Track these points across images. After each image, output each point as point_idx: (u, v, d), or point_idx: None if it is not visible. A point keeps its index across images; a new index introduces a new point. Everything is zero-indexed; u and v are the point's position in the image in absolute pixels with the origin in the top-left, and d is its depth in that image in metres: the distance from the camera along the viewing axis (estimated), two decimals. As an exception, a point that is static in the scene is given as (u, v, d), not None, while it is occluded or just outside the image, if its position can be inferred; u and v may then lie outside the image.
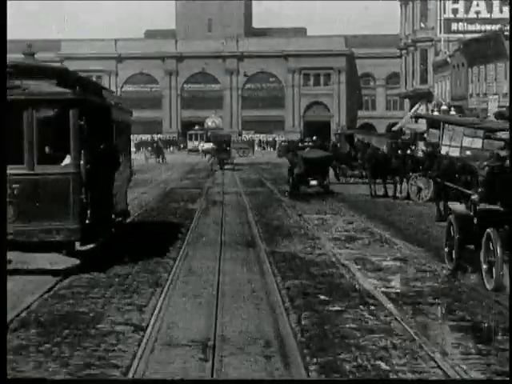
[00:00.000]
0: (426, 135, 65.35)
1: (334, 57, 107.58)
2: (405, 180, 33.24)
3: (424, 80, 71.10)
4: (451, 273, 14.72)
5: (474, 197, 14.49)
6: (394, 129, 67.14)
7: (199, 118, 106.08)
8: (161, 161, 61.96)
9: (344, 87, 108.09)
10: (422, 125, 69.72)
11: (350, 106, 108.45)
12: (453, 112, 51.72)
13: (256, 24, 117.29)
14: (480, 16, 66.05)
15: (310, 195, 33.41)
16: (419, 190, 31.91)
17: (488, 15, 65.46)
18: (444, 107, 55.72)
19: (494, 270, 12.80)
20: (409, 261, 16.88)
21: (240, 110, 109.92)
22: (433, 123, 33.44)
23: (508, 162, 13.62)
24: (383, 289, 13.83)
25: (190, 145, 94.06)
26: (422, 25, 71.03)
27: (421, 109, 69.26)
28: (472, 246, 14.27)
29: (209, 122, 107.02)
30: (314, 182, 33.67)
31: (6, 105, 11.34)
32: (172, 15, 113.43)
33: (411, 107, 74.83)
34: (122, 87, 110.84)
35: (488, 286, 12.97)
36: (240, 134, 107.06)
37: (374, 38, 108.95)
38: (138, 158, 72.28)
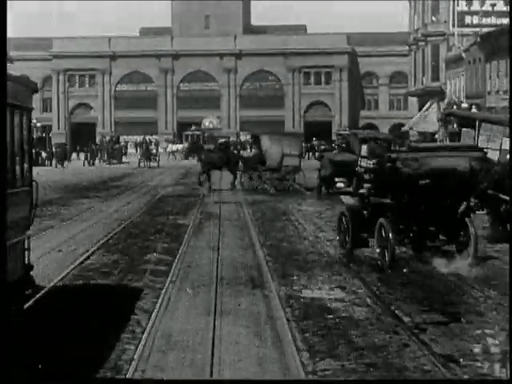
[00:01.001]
0: (437, 136, 60.15)
1: (335, 55, 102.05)
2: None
3: (435, 77, 65.57)
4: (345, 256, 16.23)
5: (363, 191, 16.38)
6: (404, 129, 61.90)
7: (196, 118, 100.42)
8: (152, 164, 55.89)
9: (346, 86, 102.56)
10: (432, 125, 64.68)
11: (352, 106, 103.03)
12: (474, 110, 46.48)
13: (255, 21, 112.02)
14: (496, 9, 60.64)
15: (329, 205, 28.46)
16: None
17: (504, 8, 60.02)
18: (464, 105, 50.47)
19: (386, 252, 14.61)
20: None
21: (238, 109, 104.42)
22: (465, 122, 28.17)
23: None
24: None
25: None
26: (434, 18, 65.52)
27: (432, 107, 63.96)
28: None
29: (206, 123, 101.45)
30: (341, 185, 32.54)
31: (5, 104, 9.00)
32: (169, 13, 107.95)
33: (421, 107, 69.40)
34: (116, 86, 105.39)
35: (384, 266, 14.64)
36: (238, 135, 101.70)
37: (376, 35, 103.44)
38: (131, 160, 66.98)
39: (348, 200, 17.75)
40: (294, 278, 14.37)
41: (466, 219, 14.81)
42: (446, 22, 63.22)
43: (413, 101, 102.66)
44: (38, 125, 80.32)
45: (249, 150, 73.33)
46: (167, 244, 18.52)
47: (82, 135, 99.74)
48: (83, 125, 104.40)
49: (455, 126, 29.03)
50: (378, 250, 15.07)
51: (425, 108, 65.36)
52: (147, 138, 77.97)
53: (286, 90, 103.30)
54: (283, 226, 21.50)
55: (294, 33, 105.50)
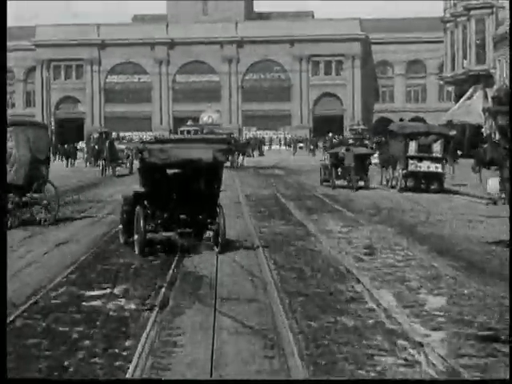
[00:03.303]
0: (483, 130, 47.54)
1: (347, 42, 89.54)
2: None
3: (481, 59, 52.60)
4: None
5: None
6: (442, 122, 49.34)
7: (194, 112, 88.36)
8: (120, 171, 38.86)
9: (359, 76, 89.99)
10: (477, 116, 52.15)
11: (365, 98, 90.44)
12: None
13: (258, 7, 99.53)
14: (555, -26, 47.90)
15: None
16: None
17: None
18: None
19: (137, 237, 14.60)
20: None
21: (240, 103, 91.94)
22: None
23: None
24: None
25: (182, 144, 75.57)
26: (478, -13, 52.63)
27: (476, 96, 51.41)
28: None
29: (204, 118, 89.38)
30: (356, 177, 31.60)
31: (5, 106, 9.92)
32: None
33: (459, 95, 56.52)
34: (106, 78, 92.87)
35: (136, 251, 14.43)
36: (240, 131, 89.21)
37: (391, 21, 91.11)
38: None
39: (126, 192, 16.66)
40: None
41: (218, 209, 14.88)
42: (493, -9, 50.45)
43: (431, 92, 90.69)
44: None
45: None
46: None
47: (69, 131, 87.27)
48: (70, 120, 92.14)
49: None
50: (136, 237, 14.69)
51: (466, 96, 52.69)
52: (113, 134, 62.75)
53: (292, 81, 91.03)
54: None
55: (300, 19, 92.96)
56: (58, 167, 53.55)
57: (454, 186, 31.94)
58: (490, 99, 49.31)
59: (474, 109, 50.25)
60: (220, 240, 14.53)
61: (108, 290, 11.34)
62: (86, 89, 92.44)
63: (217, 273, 12.54)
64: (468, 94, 52.72)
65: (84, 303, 10.53)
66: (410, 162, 31.15)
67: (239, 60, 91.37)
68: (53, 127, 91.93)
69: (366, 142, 53.92)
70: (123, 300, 10.68)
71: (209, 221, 14.77)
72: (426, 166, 31.05)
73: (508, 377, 7.33)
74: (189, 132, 75.79)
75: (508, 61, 47.51)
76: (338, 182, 31.57)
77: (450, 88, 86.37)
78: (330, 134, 74.39)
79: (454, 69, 57.10)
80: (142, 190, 15.11)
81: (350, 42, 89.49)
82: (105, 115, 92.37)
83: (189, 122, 78.83)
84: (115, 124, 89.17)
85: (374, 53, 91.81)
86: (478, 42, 52.42)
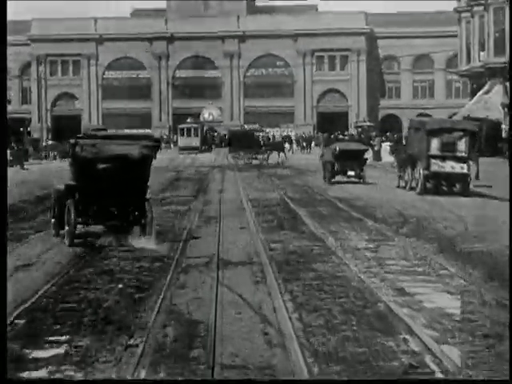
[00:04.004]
0: (504, 126, 44.18)
1: (351, 36, 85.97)
2: None
3: (499, 51, 49.00)
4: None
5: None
6: (456, 117, 46.01)
7: (194, 109, 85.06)
8: None
9: (364, 72, 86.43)
10: (496, 112, 48.87)
11: (370, 94, 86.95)
12: None
13: (260, 1, 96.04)
14: None
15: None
16: None
17: None
18: None
19: (67, 229, 14.97)
20: None
21: (242, 99, 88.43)
22: None
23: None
24: None
25: (182, 141, 72.19)
26: (496, -27, 49.13)
27: (495, 90, 48.03)
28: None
29: (205, 114, 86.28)
30: (351, 173, 32.05)
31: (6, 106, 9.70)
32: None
33: (475, 90, 53.00)
34: (104, 73, 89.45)
35: (67, 242, 14.85)
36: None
37: (398, 15, 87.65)
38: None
39: (59, 186, 16.31)
40: None
41: (146, 203, 15.38)
42: (512, -23, 46.97)
43: (439, 88, 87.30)
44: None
45: None
46: None
47: (66, 129, 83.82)
48: (67, 117, 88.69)
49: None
50: (66, 228, 15.03)
51: (483, 91, 49.28)
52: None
53: (296, 77, 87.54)
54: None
55: (304, 12, 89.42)
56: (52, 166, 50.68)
57: (476, 187, 28.67)
58: (509, 93, 46.04)
59: (492, 104, 46.93)
60: (147, 233, 15.04)
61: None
62: (83, 85, 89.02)
63: (215, 319, 9.17)
64: (485, 88, 49.33)
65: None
66: (433, 161, 27.86)
67: (241, 55, 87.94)
68: (49, 124, 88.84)
69: (376, 138, 50.56)
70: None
71: (137, 214, 15.20)
72: (449, 166, 27.76)
73: (508, 377, 7.13)
74: (189, 129, 72.51)
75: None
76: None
77: (458, 84, 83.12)
78: (338, 132, 71.02)
79: (469, 62, 53.52)
80: (74, 183, 15.39)
81: (354, 37, 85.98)
82: (103, 112, 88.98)
83: (189, 119, 75.54)
84: (113, 121, 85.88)
85: (380, 47, 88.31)
86: (496, 34, 48.79)
